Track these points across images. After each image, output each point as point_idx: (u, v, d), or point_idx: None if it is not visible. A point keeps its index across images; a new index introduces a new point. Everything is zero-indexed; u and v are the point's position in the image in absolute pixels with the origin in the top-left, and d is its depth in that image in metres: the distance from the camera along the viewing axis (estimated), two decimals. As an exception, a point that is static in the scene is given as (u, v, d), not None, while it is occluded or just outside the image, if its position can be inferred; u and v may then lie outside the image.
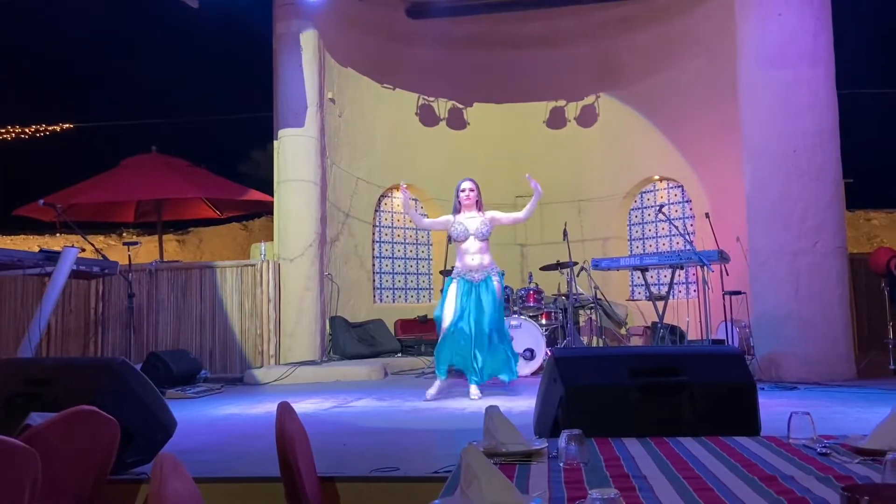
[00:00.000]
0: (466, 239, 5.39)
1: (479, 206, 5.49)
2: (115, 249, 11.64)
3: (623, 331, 8.64)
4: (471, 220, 5.41)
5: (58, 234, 12.72)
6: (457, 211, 5.50)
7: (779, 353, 6.01)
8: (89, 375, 2.83)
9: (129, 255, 6.80)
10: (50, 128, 15.15)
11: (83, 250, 5.85)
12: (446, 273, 7.90)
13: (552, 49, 9.61)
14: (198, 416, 4.80)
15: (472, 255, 5.37)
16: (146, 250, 11.25)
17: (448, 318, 5.30)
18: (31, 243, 12.66)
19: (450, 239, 5.73)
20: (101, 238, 12.62)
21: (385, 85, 9.39)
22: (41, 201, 6.87)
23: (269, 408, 4.92)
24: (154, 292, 7.65)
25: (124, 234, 13.02)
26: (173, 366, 6.11)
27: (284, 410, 1.93)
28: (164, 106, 19.26)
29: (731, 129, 6.98)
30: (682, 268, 6.48)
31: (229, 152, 18.54)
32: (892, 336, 6.55)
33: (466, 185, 5.50)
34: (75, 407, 2.18)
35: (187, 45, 18.23)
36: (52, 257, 5.41)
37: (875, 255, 7.19)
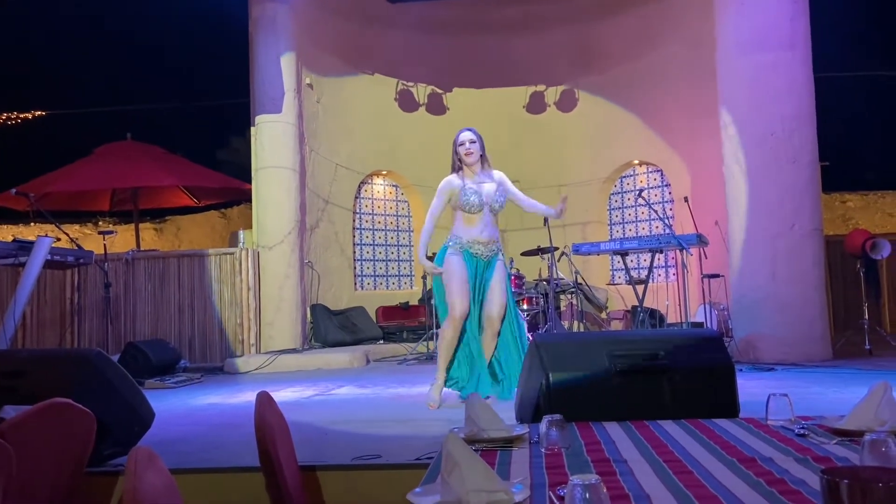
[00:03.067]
0: (480, 210, 4.25)
1: (485, 161, 4.39)
2: (90, 239, 11.47)
3: (603, 315, 8.69)
4: (484, 186, 4.30)
5: (31, 224, 12.51)
6: (457, 169, 4.36)
7: (757, 334, 6.08)
8: (65, 367, 2.78)
9: (105, 245, 6.71)
10: (22, 115, 14.86)
11: (58, 240, 5.75)
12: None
13: (532, 34, 9.57)
14: (177, 406, 4.76)
15: (483, 227, 4.27)
16: (122, 239, 11.11)
17: (457, 301, 4.17)
18: (4, 233, 12.44)
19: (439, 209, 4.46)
20: (77, 227, 12.42)
21: (363, 70, 9.31)
22: (14, 190, 6.74)
23: (249, 397, 4.89)
24: (131, 282, 7.56)
25: (100, 223, 12.83)
26: (152, 356, 6.05)
27: (263, 400, 1.91)
28: (138, 92, 18.97)
29: (710, 114, 7.02)
30: (661, 252, 6.52)
31: (207, 139, 18.35)
32: (867, 317, 6.66)
33: (466, 135, 4.34)
34: (50, 399, 2.14)
35: (161, 30, 17.96)
36: (25, 247, 5.32)
37: (851, 238, 7.29)
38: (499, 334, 4.32)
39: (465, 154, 4.30)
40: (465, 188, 4.26)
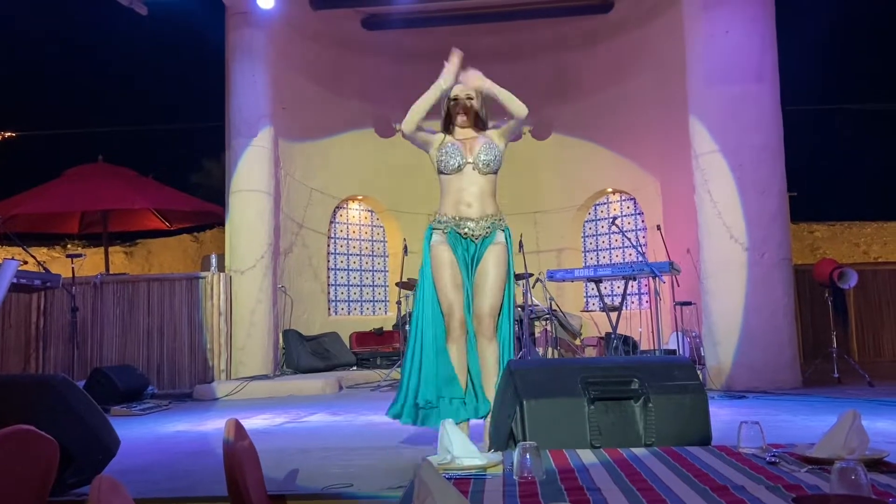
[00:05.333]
0: (461, 168, 3.36)
1: (483, 125, 3.53)
2: (58, 262, 11.27)
3: (578, 342, 8.71)
4: (469, 142, 3.43)
5: (-2, 246, 12.26)
6: (446, 131, 3.54)
7: (728, 362, 6.13)
8: (27, 393, 2.72)
9: (73, 268, 6.59)
10: (-9, 136, 14.64)
11: (24, 263, 5.64)
12: (403, 286, 7.85)
13: (507, 62, 9.66)
14: (144, 433, 4.66)
15: (470, 198, 3.36)
16: (91, 263, 10.93)
17: (453, 305, 3.29)
18: (-31, 255, 12.17)
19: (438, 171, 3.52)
20: (44, 250, 12.21)
21: (340, 95, 9.34)
22: (-20, 212, 6.62)
23: (218, 424, 4.80)
24: (99, 306, 7.41)
25: (69, 246, 12.62)
26: (119, 382, 5.92)
27: (232, 427, 1.88)
28: (111, 114, 18.84)
29: (682, 143, 7.14)
30: (634, 279, 6.57)
31: (180, 162, 18.21)
32: (835, 345, 6.75)
33: (461, 90, 3.47)
34: (11, 427, 2.07)
35: (136, 52, 17.90)
36: (-10, 270, 5.19)
37: (819, 267, 7.41)
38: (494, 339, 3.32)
39: (459, 110, 3.44)
40: (445, 140, 3.42)
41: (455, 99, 3.44)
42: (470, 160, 3.36)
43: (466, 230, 3.34)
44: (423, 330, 3.39)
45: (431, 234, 3.41)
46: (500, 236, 3.40)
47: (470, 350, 3.36)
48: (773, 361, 6.06)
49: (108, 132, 16.36)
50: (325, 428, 4.69)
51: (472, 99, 3.44)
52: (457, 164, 3.35)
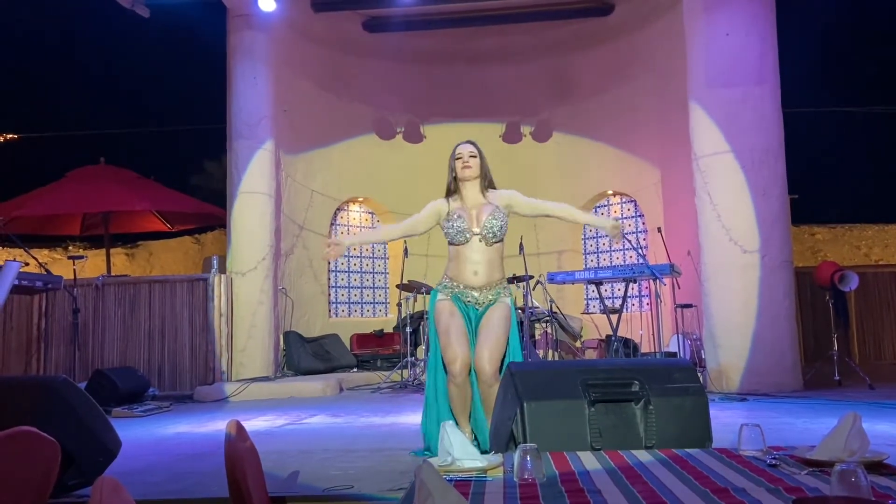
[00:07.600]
0: (467, 241, 3.43)
1: (488, 180, 3.57)
2: (60, 263, 11.28)
3: (578, 344, 8.71)
4: (476, 211, 3.47)
5: (-1, 248, 12.27)
6: (450, 192, 3.57)
7: (728, 364, 6.13)
8: (29, 394, 2.72)
9: (75, 270, 6.60)
10: (-7, 138, 14.66)
11: (26, 264, 5.63)
12: (404, 287, 7.85)
13: (508, 65, 9.70)
14: (145, 435, 4.66)
15: (476, 266, 3.42)
16: (93, 264, 10.95)
17: (456, 351, 3.28)
18: (-30, 257, 12.17)
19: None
20: (46, 252, 12.20)
21: (341, 97, 9.35)
22: (-18, 214, 6.62)
23: (219, 426, 4.81)
24: (100, 307, 7.42)
25: (70, 248, 12.62)
26: (120, 383, 5.92)
27: (233, 429, 1.88)
28: (113, 116, 18.87)
29: (682, 145, 7.14)
30: (635, 281, 6.57)
31: (182, 164, 18.23)
32: (836, 348, 6.74)
33: (465, 148, 3.55)
34: (12, 428, 2.08)
35: (139, 54, 17.94)
36: (-9, 272, 5.19)
37: (820, 269, 7.41)
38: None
39: (463, 167, 3.50)
40: (452, 213, 3.46)
41: (459, 157, 3.54)
42: (476, 230, 3.43)
43: (470, 299, 3.43)
44: (437, 377, 3.49)
45: (436, 295, 3.50)
46: (504, 299, 3.48)
47: (474, 394, 3.39)
48: (773, 364, 6.06)
49: (110, 134, 16.39)
50: (326, 430, 4.69)
51: (475, 156, 3.53)
52: (464, 238, 3.43)
